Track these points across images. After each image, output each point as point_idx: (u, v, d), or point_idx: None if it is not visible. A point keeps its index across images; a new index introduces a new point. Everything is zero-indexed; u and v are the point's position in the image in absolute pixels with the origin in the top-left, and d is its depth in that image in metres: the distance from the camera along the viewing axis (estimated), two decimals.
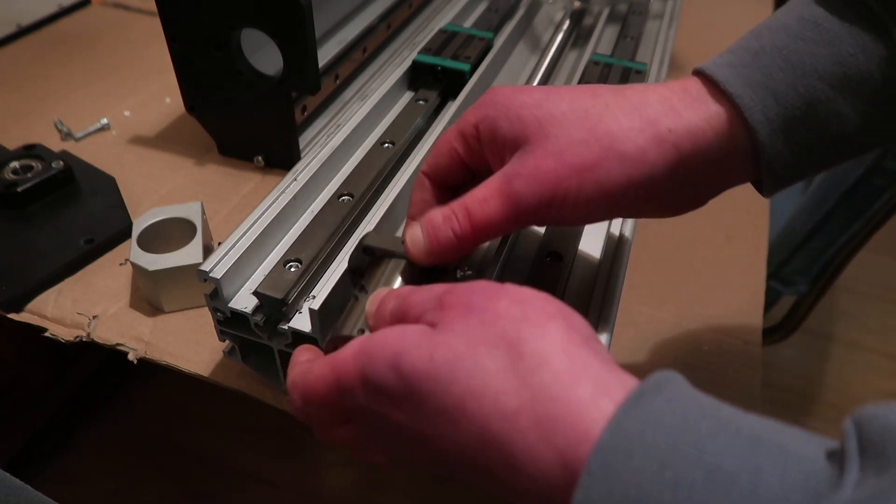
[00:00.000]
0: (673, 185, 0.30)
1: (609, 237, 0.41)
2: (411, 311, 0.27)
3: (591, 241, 0.41)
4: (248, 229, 0.38)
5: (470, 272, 0.33)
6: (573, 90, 0.31)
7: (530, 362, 0.22)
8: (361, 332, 0.30)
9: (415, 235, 0.32)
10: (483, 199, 0.30)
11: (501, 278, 0.38)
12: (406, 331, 0.25)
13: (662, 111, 0.29)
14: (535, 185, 0.29)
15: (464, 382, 0.23)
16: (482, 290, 0.25)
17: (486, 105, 0.32)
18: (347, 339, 0.29)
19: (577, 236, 0.41)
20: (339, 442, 0.29)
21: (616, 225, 0.42)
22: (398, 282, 0.32)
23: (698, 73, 0.31)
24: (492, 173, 0.31)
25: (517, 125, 0.30)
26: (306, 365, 0.29)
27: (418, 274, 0.33)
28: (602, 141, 0.29)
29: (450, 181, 0.34)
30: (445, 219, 0.31)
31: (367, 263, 0.34)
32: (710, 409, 0.21)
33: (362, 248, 0.34)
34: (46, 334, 0.47)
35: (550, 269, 0.39)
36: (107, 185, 0.58)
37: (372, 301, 0.30)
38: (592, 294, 0.37)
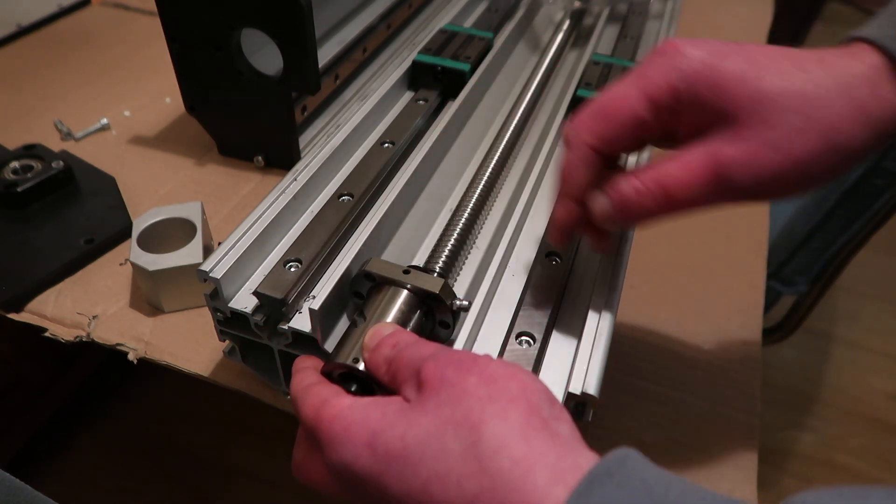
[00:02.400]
0: (869, 156, 0.30)
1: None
2: (400, 372, 0.28)
3: None
4: (248, 229, 0.38)
5: (465, 302, 0.34)
6: (774, 58, 0.29)
7: (489, 446, 0.23)
8: (356, 360, 0.31)
9: (602, 204, 0.31)
10: (687, 181, 0.29)
11: (500, 279, 0.38)
12: (387, 409, 0.26)
13: (869, 95, 0.28)
14: (750, 174, 0.28)
15: (430, 465, 0.24)
16: (457, 364, 0.26)
17: (680, 68, 0.29)
18: (342, 366, 0.31)
19: (578, 237, 0.41)
20: (312, 478, 0.30)
21: None
22: (393, 312, 0.33)
23: (867, 42, 0.30)
24: (665, 136, 0.31)
25: (725, 99, 0.29)
26: (305, 382, 0.31)
27: (416, 303, 0.34)
28: (824, 135, 0.28)
29: (621, 151, 0.33)
30: (638, 193, 0.30)
31: (367, 289, 0.36)
32: (658, 491, 0.22)
33: (364, 274, 0.35)
34: (46, 334, 0.47)
35: (550, 269, 0.39)
36: (107, 185, 0.58)
37: (371, 336, 0.31)
38: (592, 294, 0.37)
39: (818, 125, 0.28)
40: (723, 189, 0.29)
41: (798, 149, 0.28)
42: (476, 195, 0.44)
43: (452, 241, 0.40)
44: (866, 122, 0.28)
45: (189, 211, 0.50)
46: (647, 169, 0.30)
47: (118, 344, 0.46)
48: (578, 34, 0.69)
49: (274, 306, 0.36)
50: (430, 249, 0.41)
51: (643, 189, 0.30)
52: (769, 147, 0.28)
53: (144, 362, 0.46)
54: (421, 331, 0.34)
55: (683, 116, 0.30)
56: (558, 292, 0.38)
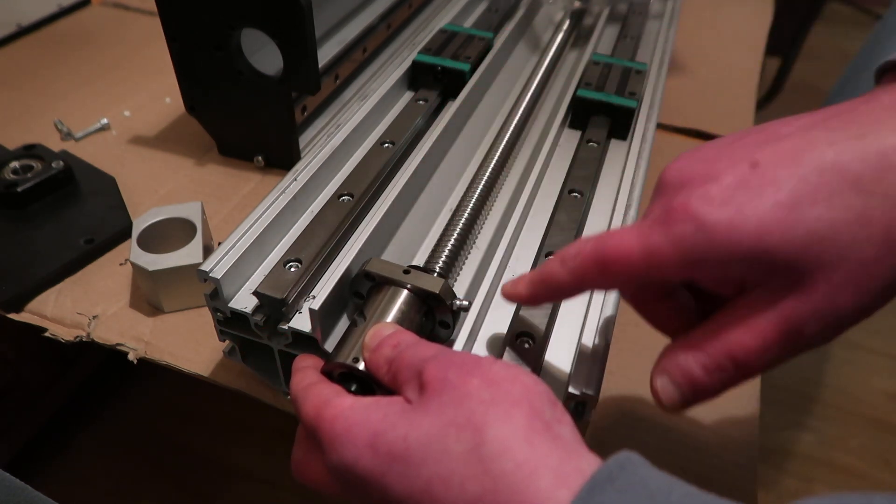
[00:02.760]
0: None
1: None
2: (401, 373, 0.28)
3: None
4: (248, 229, 0.38)
5: (465, 302, 0.34)
6: (814, 175, 0.23)
7: (492, 448, 0.23)
8: (356, 360, 0.31)
9: (668, 393, 0.27)
10: (761, 349, 0.25)
11: (500, 280, 0.38)
12: (389, 410, 0.26)
13: None
14: (832, 323, 0.25)
15: (432, 466, 0.24)
16: (459, 366, 0.26)
17: (699, 246, 0.24)
18: (343, 365, 0.31)
19: (578, 237, 0.41)
20: (311, 478, 0.30)
21: (615, 225, 0.42)
22: (393, 312, 0.33)
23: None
24: None
25: (770, 265, 0.24)
26: (305, 381, 0.31)
27: (416, 302, 0.34)
28: None
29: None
30: (709, 372, 0.26)
31: (368, 288, 0.36)
32: (660, 496, 0.21)
33: (364, 274, 0.35)
34: (46, 334, 0.47)
35: None
36: (107, 185, 0.58)
37: (372, 336, 0.31)
38: (592, 294, 0.37)
39: (892, 245, 0.23)
40: (794, 345, 0.25)
41: (879, 279, 0.24)
42: (476, 195, 0.44)
43: (452, 241, 0.40)
44: None
45: (189, 211, 0.50)
46: (708, 341, 0.26)
47: (118, 344, 0.46)
48: (578, 34, 0.69)
49: (274, 306, 0.36)
50: (430, 249, 0.41)
51: (713, 366, 0.26)
52: (844, 289, 0.24)
53: (144, 362, 0.46)
54: (421, 331, 0.34)
55: (707, 277, 0.26)
56: None
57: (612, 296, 0.37)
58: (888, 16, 0.77)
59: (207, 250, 0.48)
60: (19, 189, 0.54)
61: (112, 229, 0.54)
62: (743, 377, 0.26)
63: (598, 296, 0.37)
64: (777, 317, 0.25)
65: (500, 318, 0.36)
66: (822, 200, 0.23)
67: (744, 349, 0.25)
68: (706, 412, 0.45)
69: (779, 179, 0.24)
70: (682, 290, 0.30)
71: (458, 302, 0.34)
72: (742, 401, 0.46)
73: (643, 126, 0.51)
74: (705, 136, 0.71)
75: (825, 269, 0.23)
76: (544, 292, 0.30)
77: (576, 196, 0.44)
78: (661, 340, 0.50)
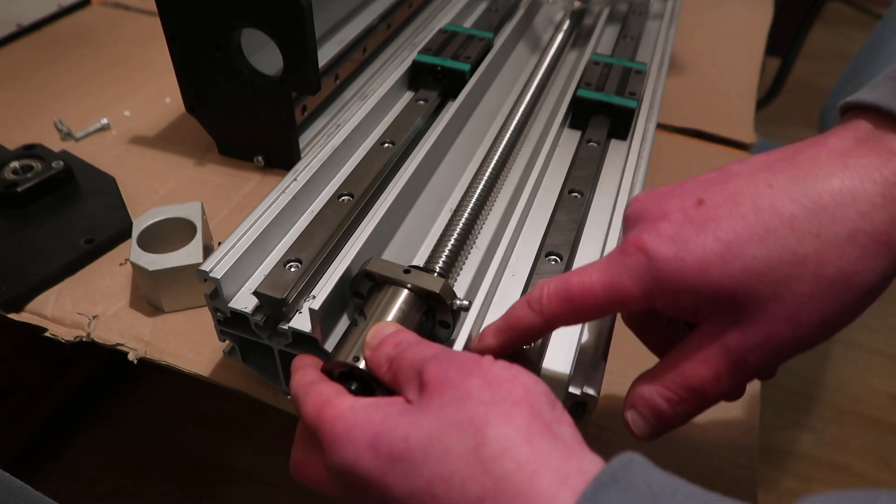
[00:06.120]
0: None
1: (608, 238, 0.41)
2: (402, 372, 0.28)
3: (592, 241, 0.41)
4: (248, 229, 0.38)
5: (465, 302, 0.34)
6: (755, 215, 0.25)
7: (493, 449, 0.23)
8: (356, 359, 0.31)
9: (639, 425, 0.29)
10: (714, 379, 0.27)
11: (500, 279, 0.38)
12: (389, 410, 0.26)
13: (883, 218, 0.24)
14: (773, 355, 0.26)
15: (433, 466, 0.24)
16: (459, 366, 0.26)
17: (652, 275, 0.26)
18: (343, 364, 0.31)
19: (578, 237, 0.41)
20: (310, 478, 0.30)
21: (615, 225, 0.42)
22: (394, 312, 0.33)
23: (865, 110, 0.26)
24: None
25: (713, 296, 0.26)
26: (306, 380, 0.31)
27: (416, 302, 0.34)
28: (838, 291, 0.25)
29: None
30: (672, 404, 0.29)
31: (368, 288, 0.36)
32: (664, 497, 0.21)
33: (364, 274, 0.35)
34: (46, 334, 0.47)
35: (550, 269, 0.39)
36: (107, 185, 0.58)
37: (374, 335, 0.31)
38: None
39: (834, 282, 0.25)
40: (743, 374, 0.27)
41: (816, 313, 0.25)
42: (476, 195, 0.44)
43: (452, 241, 0.40)
44: (886, 253, 0.24)
45: (189, 211, 0.50)
46: (668, 373, 0.29)
47: (118, 344, 0.46)
48: (578, 34, 0.69)
49: (274, 306, 0.36)
50: (430, 249, 0.41)
51: (675, 398, 0.28)
52: (782, 322, 0.25)
53: (144, 362, 0.46)
54: (421, 330, 0.34)
55: (666, 305, 0.28)
56: None
57: None
58: (888, 16, 0.77)
59: (207, 250, 0.48)
60: (19, 189, 0.54)
61: (112, 229, 0.54)
62: (703, 405, 0.28)
63: None
64: (724, 349, 0.27)
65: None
66: (757, 238, 0.25)
67: (700, 380, 0.28)
68: (706, 412, 0.45)
69: (719, 216, 0.26)
70: (668, 319, 0.32)
71: (458, 302, 0.34)
72: (742, 401, 0.45)
73: (643, 126, 0.51)
74: (705, 137, 0.71)
75: (763, 303, 0.25)
76: (514, 337, 0.31)
77: (576, 196, 0.44)
78: None
